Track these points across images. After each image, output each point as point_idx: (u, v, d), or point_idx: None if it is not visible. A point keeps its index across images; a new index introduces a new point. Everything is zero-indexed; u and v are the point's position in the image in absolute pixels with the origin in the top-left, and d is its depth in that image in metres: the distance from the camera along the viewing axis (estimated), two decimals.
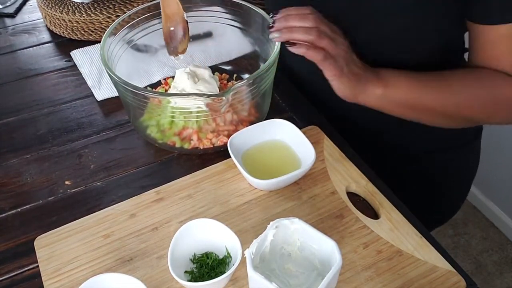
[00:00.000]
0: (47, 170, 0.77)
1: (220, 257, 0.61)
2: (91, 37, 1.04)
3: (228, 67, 0.91)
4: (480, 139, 0.95)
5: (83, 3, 1.05)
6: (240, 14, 0.84)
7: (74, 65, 0.98)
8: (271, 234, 0.57)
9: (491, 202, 1.83)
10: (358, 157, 0.76)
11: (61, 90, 0.93)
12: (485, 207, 1.86)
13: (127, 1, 1.06)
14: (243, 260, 0.55)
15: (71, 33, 1.04)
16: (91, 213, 0.69)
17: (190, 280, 0.59)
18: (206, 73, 0.80)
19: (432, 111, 0.72)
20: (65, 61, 1.00)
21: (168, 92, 0.82)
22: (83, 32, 1.03)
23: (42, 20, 1.12)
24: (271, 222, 0.57)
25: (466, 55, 0.79)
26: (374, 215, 0.69)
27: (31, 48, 1.04)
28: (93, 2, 1.05)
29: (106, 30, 1.02)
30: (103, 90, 0.91)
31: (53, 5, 1.05)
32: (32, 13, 1.16)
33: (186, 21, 0.80)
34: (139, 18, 0.82)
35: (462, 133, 0.87)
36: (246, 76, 0.88)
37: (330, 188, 0.71)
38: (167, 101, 0.71)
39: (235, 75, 0.89)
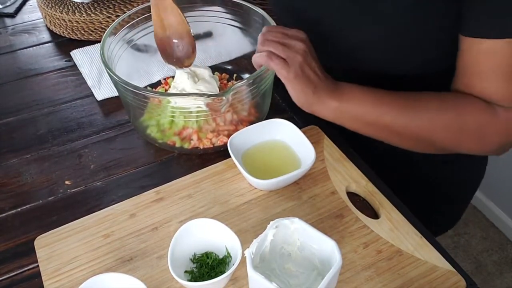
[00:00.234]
0: (47, 170, 0.77)
1: (220, 257, 0.61)
2: (91, 37, 1.04)
3: (228, 67, 0.91)
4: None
5: (83, 3, 1.05)
6: (240, 14, 0.84)
7: (74, 65, 0.98)
8: (271, 234, 0.57)
9: (491, 202, 1.83)
10: (358, 157, 0.76)
11: (61, 90, 0.93)
12: (485, 207, 1.86)
13: (127, 1, 1.06)
14: (243, 260, 0.55)
15: (71, 33, 1.04)
16: (91, 213, 0.69)
17: (190, 280, 0.59)
18: (206, 73, 0.80)
19: (391, 130, 0.69)
20: (65, 61, 1.00)
21: (168, 92, 0.82)
22: (83, 32, 1.04)
23: (42, 20, 1.12)
24: (271, 222, 0.57)
25: None
26: (374, 215, 0.69)
27: (31, 48, 1.04)
28: (93, 2, 1.05)
29: (106, 30, 1.02)
30: (103, 90, 0.91)
31: (53, 5, 1.05)
32: (32, 13, 1.16)
33: (193, 37, 0.80)
34: (139, 18, 0.82)
35: None
36: (246, 76, 0.88)
37: (330, 188, 0.71)
38: (167, 101, 0.71)
39: (235, 75, 0.89)
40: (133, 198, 0.70)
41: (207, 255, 0.61)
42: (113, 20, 1.02)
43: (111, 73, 0.71)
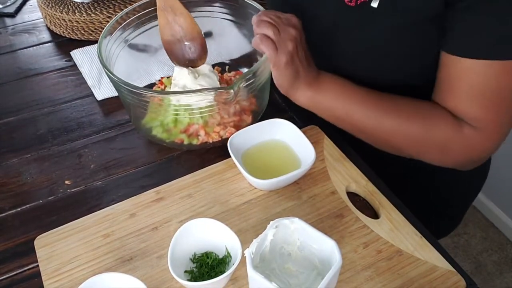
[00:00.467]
0: (47, 169, 0.77)
1: (220, 256, 0.61)
2: (91, 37, 1.04)
3: (225, 61, 0.92)
4: (489, 159, 0.92)
5: (83, 3, 1.05)
6: (239, 12, 0.84)
7: (74, 65, 0.98)
8: (271, 234, 0.57)
9: (491, 202, 1.83)
10: (358, 157, 0.76)
11: (61, 90, 0.93)
12: (485, 207, 1.86)
13: (127, 1, 1.06)
14: (243, 260, 0.55)
15: (71, 33, 1.04)
16: (91, 213, 0.69)
17: (190, 280, 0.59)
18: (206, 68, 0.80)
19: (359, 129, 0.71)
20: (65, 61, 1.00)
21: (170, 89, 0.82)
22: (83, 32, 1.04)
23: (42, 20, 1.12)
24: (271, 222, 0.57)
25: None
26: (374, 214, 0.69)
27: (31, 48, 1.04)
28: (93, 2, 1.05)
29: None
30: (103, 90, 0.91)
31: (53, 5, 1.05)
32: (32, 13, 1.16)
33: (203, 37, 0.81)
34: (135, 16, 0.82)
35: None
36: (244, 69, 0.89)
37: (330, 188, 0.71)
38: (168, 99, 0.71)
39: (227, 67, 0.90)
40: (133, 198, 0.70)
41: (207, 255, 0.61)
42: None
43: (110, 74, 0.71)
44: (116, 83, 0.70)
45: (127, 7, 1.03)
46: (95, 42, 1.03)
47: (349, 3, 0.69)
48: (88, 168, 0.77)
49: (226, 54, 0.92)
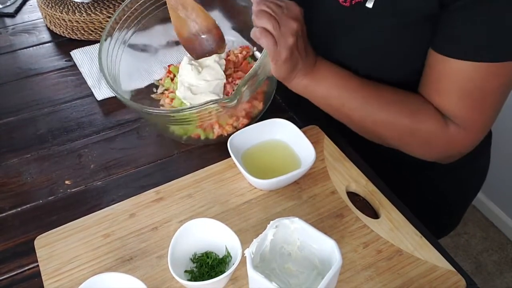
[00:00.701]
0: (47, 169, 0.77)
1: (220, 256, 0.61)
2: (91, 37, 1.04)
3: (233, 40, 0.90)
4: (488, 158, 0.93)
5: (83, 3, 1.05)
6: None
7: (74, 65, 0.98)
8: (271, 234, 0.57)
9: (491, 202, 1.83)
10: (358, 157, 0.76)
11: (61, 90, 0.93)
12: (485, 207, 1.86)
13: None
14: (243, 260, 0.55)
15: (71, 33, 1.04)
16: (91, 213, 0.69)
17: (190, 280, 0.59)
18: (211, 59, 0.79)
19: (351, 119, 0.72)
20: (65, 61, 1.00)
21: (177, 89, 0.80)
22: (83, 32, 1.03)
23: (42, 20, 1.12)
24: (271, 222, 0.57)
25: None
26: (374, 214, 0.69)
27: (31, 48, 1.04)
28: (93, 2, 1.05)
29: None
30: (103, 90, 0.91)
31: (53, 5, 1.05)
32: (32, 13, 1.16)
33: (218, 26, 0.80)
34: (133, 15, 0.82)
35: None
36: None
37: (330, 188, 0.71)
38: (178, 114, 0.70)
39: (233, 41, 0.88)
40: (133, 198, 0.70)
41: (207, 254, 0.61)
42: None
43: (118, 94, 0.70)
44: (127, 103, 0.70)
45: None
46: (95, 42, 1.03)
47: (344, 3, 0.69)
48: (88, 168, 0.77)
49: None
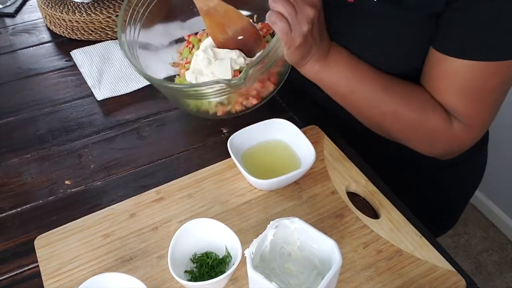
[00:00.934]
0: (47, 170, 0.77)
1: (220, 256, 0.61)
2: (91, 37, 1.04)
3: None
4: (486, 154, 0.93)
5: (83, 3, 1.05)
6: None
7: (74, 65, 0.98)
8: (271, 234, 0.57)
9: (491, 202, 1.83)
10: (358, 157, 0.76)
11: (61, 90, 0.93)
12: (485, 207, 1.86)
13: None
14: (243, 260, 0.55)
15: (71, 33, 1.04)
16: (91, 213, 0.69)
17: (190, 280, 0.59)
18: (226, 54, 0.77)
19: (359, 107, 0.72)
20: (65, 61, 1.00)
21: (186, 71, 0.79)
22: (83, 32, 1.03)
23: (42, 20, 1.12)
24: (271, 222, 0.57)
25: None
26: (374, 214, 0.69)
27: (31, 48, 1.04)
28: (93, 2, 1.05)
29: (106, 30, 1.03)
30: (103, 90, 0.91)
31: (53, 5, 1.05)
32: (32, 13, 1.16)
33: (254, 25, 0.77)
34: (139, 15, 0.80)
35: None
36: None
37: (330, 188, 0.71)
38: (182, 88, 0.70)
39: (255, 16, 0.85)
40: (133, 198, 0.70)
41: (207, 255, 0.61)
42: (113, 20, 1.02)
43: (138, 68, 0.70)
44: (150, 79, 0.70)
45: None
46: (95, 42, 1.03)
47: None
48: (88, 168, 0.77)
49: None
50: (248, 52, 0.79)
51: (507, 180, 1.71)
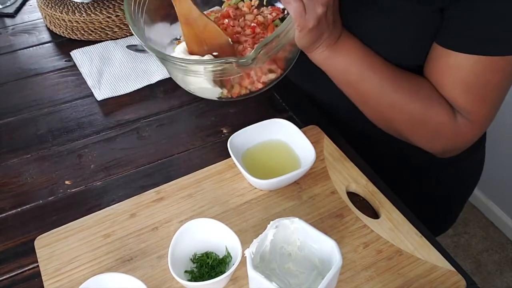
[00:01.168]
0: (47, 170, 0.77)
1: (220, 256, 0.61)
2: (91, 37, 1.04)
3: None
4: (484, 152, 0.93)
5: (83, 3, 1.05)
6: None
7: (74, 65, 0.98)
8: (271, 234, 0.57)
9: (491, 202, 1.83)
10: (358, 157, 0.76)
11: (61, 90, 0.93)
12: (485, 207, 1.86)
13: None
14: (243, 260, 0.55)
15: (71, 33, 1.04)
16: (91, 213, 0.69)
17: (190, 280, 0.59)
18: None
19: (366, 97, 0.71)
20: (65, 61, 1.00)
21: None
22: (83, 32, 1.03)
23: (42, 20, 1.12)
24: (271, 222, 0.57)
25: None
26: (374, 214, 0.69)
27: (31, 48, 1.04)
28: (93, 2, 1.05)
29: (106, 30, 1.03)
30: (103, 90, 0.91)
31: (53, 5, 1.05)
32: (32, 13, 1.16)
33: (231, 44, 0.75)
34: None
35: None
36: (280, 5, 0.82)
37: (330, 188, 0.71)
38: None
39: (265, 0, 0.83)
40: (133, 198, 0.70)
41: (207, 255, 0.61)
42: (113, 20, 1.02)
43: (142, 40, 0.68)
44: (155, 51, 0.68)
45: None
46: (95, 42, 1.03)
47: None
48: (88, 168, 0.77)
49: None
50: None
51: (507, 180, 1.71)
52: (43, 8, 1.06)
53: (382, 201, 0.69)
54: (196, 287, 0.57)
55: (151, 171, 0.77)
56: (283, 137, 0.75)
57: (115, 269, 0.62)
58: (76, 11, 1.03)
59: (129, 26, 0.70)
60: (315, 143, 0.74)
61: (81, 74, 0.95)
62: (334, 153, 0.76)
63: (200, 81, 0.72)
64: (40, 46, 1.05)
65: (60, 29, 1.05)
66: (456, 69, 0.65)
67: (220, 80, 0.73)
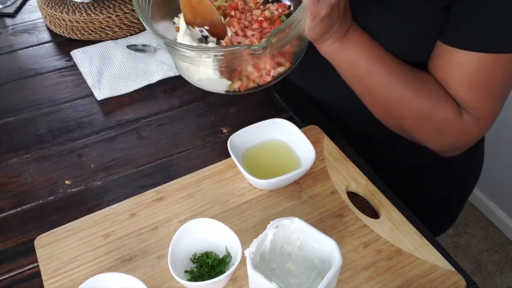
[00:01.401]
0: (47, 169, 0.77)
1: (220, 256, 0.61)
2: (91, 37, 1.04)
3: None
4: (483, 152, 0.94)
5: (83, 3, 1.05)
6: None
7: (74, 65, 0.98)
8: (271, 234, 0.57)
9: (491, 202, 1.83)
10: (358, 157, 0.76)
11: (61, 90, 0.93)
12: (485, 207, 1.86)
13: (127, 1, 1.06)
14: (243, 260, 0.55)
15: (71, 33, 1.04)
16: (91, 213, 0.69)
17: (190, 280, 0.59)
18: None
19: (373, 90, 0.70)
20: (65, 60, 1.00)
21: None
22: (83, 32, 1.03)
23: (42, 19, 1.12)
24: (271, 222, 0.57)
25: None
26: (374, 214, 0.69)
27: (31, 48, 1.04)
28: (93, 2, 1.05)
29: (106, 30, 1.03)
30: (103, 90, 0.91)
31: (53, 4, 1.05)
32: (32, 13, 1.16)
33: (224, 24, 0.74)
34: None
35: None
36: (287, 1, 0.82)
37: (330, 188, 0.71)
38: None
39: None
40: (133, 197, 0.71)
41: (207, 254, 0.61)
42: (113, 20, 1.02)
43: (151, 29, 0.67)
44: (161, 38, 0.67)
45: (127, 7, 1.04)
46: (95, 42, 1.03)
47: None
48: (88, 168, 0.77)
49: None
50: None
51: (507, 180, 1.71)
52: (43, 8, 1.06)
53: (382, 201, 0.69)
54: (196, 287, 0.57)
55: (151, 171, 0.77)
56: (283, 137, 0.75)
57: (115, 269, 0.62)
58: (76, 11, 1.03)
59: (137, 13, 0.68)
60: (315, 143, 0.74)
61: (81, 74, 0.95)
62: (334, 153, 0.76)
63: (208, 71, 0.71)
64: (40, 46, 1.05)
65: (60, 29, 1.05)
66: (460, 66, 0.65)
67: (228, 73, 0.72)
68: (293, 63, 0.74)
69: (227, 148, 0.70)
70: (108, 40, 1.03)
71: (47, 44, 1.05)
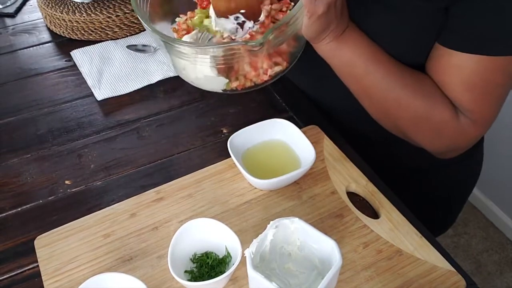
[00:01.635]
0: (47, 169, 0.77)
1: (220, 256, 0.61)
2: (91, 37, 1.04)
3: None
4: (482, 152, 0.94)
5: (83, 3, 1.05)
6: None
7: (74, 65, 0.98)
8: (271, 234, 0.57)
9: (491, 202, 1.83)
10: (358, 157, 0.76)
11: (61, 90, 0.93)
12: (485, 207, 1.86)
13: (127, 1, 1.06)
14: (243, 260, 0.55)
15: (71, 33, 1.04)
16: (91, 213, 0.69)
17: (190, 280, 0.59)
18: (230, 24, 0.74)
19: (370, 91, 0.70)
20: (65, 61, 1.00)
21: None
22: (83, 32, 1.03)
23: (42, 20, 1.12)
24: (271, 222, 0.57)
25: None
26: (374, 214, 0.69)
27: (31, 48, 1.04)
28: (93, 2, 1.05)
29: (106, 30, 1.03)
30: (103, 90, 0.91)
31: (53, 5, 1.05)
32: (32, 13, 1.16)
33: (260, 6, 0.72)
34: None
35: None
36: None
37: (330, 188, 0.71)
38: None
39: None
40: (133, 197, 0.71)
41: (207, 255, 0.61)
42: (113, 20, 1.02)
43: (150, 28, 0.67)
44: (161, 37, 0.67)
45: (127, 7, 1.04)
46: (95, 42, 1.03)
47: None
48: (88, 168, 0.77)
49: None
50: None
51: (507, 180, 1.71)
52: (43, 8, 1.06)
53: (382, 201, 0.69)
54: (196, 287, 0.57)
55: (151, 171, 0.77)
56: (283, 137, 0.75)
57: (115, 269, 0.62)
58: (76, 11, 1.03)
59: (135, 12, 0.68)
60: (315, 143, 0.74)
61: (81, 74, 0.95)
62: (334, 153, 0.76)
63: (205, 69, 0.71)
64: (40, 46, 1.05)
65: (60, 29, 1.05)
66: (458, 68, 0.65)
67: (225, 71, 0.72)
68: (290, 62, 0.74)
69: (227, 148, 0.70)
70: (108, 40, 1.03)
71: (47, 44, 1.05)
